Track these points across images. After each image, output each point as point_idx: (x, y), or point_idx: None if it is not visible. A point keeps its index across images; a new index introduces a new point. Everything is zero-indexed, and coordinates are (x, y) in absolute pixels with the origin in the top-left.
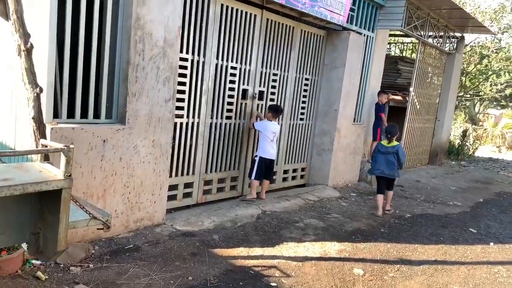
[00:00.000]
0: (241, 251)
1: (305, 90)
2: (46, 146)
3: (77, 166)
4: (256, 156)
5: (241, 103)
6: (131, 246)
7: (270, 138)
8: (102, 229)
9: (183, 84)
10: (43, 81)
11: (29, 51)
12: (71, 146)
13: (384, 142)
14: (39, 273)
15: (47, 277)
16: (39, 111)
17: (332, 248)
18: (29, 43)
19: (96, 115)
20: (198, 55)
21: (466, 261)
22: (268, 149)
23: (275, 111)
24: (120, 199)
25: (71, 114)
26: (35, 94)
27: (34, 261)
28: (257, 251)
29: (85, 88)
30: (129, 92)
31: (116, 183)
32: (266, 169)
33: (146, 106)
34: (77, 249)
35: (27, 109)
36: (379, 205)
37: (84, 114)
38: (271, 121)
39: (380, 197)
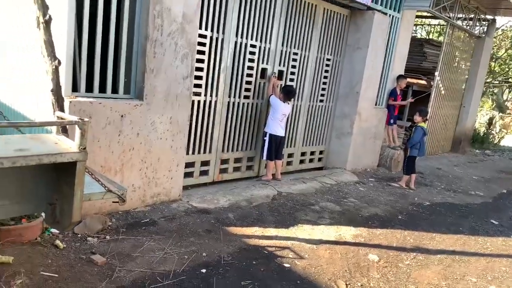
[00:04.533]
0: (256, 230)
1: (326, 71)
2: (62, 119)
3: (95, 140)
4: (265, 133)
5: (260, 83)
6: (147, 220)
7: (279, 119)
8: (118, 202)
9: (201, 61)
10: (62, 54)
11: (47, 23)
12: (86, 119)
13: (424, 125)
14: (58, 242)
15: (65, 246)
16: (58, 84)
17: (348, 232)
18: (47, 15)
19: (115, 90)
20: (217, 32)
21: (485, 253)
22: (277, 128)
23: (287, 93)
24: (138, 173)
25: (89, 88)
26: (54, 67)
27: (53, 230)
28: (271, 231)
29: (104, 63)
30: (147, 68)
31: (133, 158)
32: (276, 147)
33: (164, 82)
34: (94, 221)
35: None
36: (415, 181)
37: (102, 89)
38: (283, 102)
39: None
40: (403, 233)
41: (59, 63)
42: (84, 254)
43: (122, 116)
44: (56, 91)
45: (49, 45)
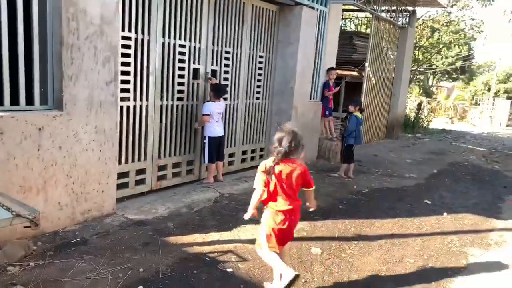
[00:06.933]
0: (197, 237)
1: (260, 68)
2: None
3: (10, 158)
4: (204, 137)
5: (193, 83)
6: (78, 239)
7: (215, 119)
8: (30, 227)
9: (127, 64)
10: None
11: None
12: None
13: (358, 114)
14: None
15: None
16: None
17: None
18: None
19: (30, 101)
20: (142, 33)
21: (421, 233)
22: (215, 129)
23: (217, 91)
24: (63, 190)
25: None
26: None
27: None
28: (213, 236)
29: (14, 73)
30: (64, 75)
31: (57, 173)
32: (217, 148)
33: (85, 89)
34: (15, 247)
35: None
36: (353, 170)
37: (15, 101)
38: (214, 102)
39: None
40: (344, 223)
41: None
42: (3, 286)
43: (40, 129)
44: None
45: None
